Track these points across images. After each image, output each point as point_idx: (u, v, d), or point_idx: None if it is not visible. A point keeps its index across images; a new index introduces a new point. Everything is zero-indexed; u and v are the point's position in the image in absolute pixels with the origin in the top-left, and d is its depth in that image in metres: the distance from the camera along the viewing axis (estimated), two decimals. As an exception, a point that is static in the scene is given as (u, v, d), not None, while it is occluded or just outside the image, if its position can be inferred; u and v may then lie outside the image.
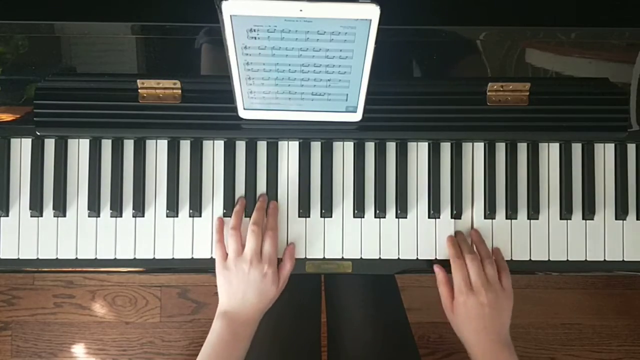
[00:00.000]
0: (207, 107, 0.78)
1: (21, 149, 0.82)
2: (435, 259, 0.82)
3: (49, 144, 0.82)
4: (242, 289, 0.76)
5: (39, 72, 0.78)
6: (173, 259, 0.82)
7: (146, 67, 0.78)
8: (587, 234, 0.83)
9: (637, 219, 0.84)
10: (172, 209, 0.82)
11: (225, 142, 0.83)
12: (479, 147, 0.83)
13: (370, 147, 0.83)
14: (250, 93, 0.70)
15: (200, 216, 0.82)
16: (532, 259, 0.83)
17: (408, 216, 0.83)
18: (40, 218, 0.82)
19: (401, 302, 1.03)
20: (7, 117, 0.80)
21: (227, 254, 0.78)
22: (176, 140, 0.82)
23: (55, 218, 0.82)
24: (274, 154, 0.82)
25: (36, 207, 0.81)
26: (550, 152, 0.83)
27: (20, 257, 0.82)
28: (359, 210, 0.82)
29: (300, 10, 0.57)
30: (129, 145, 0.82)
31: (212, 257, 0.81)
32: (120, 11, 0.74)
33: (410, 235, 0.83)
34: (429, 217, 0.83)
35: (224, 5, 0.57)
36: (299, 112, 0.73)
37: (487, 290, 0.76)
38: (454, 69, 0.81)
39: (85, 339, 1.52)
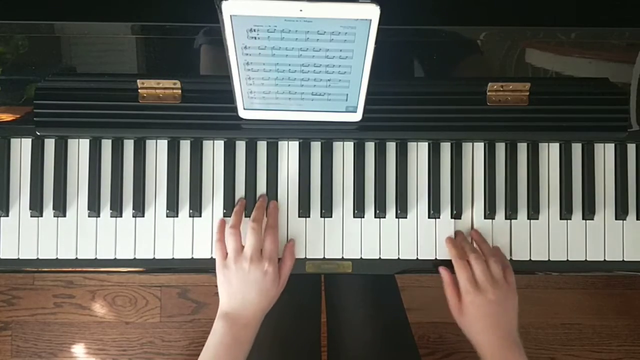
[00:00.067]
0: (207, 107, 0.78)
1: (21, 149, 0.82)
2: (435, 259, 0.82)
3: (49, 144, 0.82)
4: (242, 288, 0.75)
5: (39, 72, 0.78)
6: (173, 259, 0.82)
7: (146, 67, 0.78)
8: (587, 234, 0.83)
9: (637, 219, 0.84)
10: (172, 209, 0.82)
11: (225, 142, 0.83)
12: (479, 147, 0.83)
13: (370, 147, 0.83)
14: (250, 93, 0.70)
15: (200, 216, 0.82)
16: (532, 259, 0.83)
17: (408, 216, 0.83)
18: (40, 218, 0.82)
19: (401, 302, 1.03)
20: (7, 117, 0.80)
21: (227, 253, 0.77)
22: (176, 140, 0.82)
23: (55, 218, 0.82)
24: (274, 154, 0.82)
25: (36, 207, 0.81)
26: (550, 152, 0.83)
27: (20, 257, 0.82)
28: (359, 210, 0.82)
29: (300, 10, 0.57)
30: (129, 145, 0.82)
31: (212, 257, 0.81)
32: (120, 11, 0.74)
33: (410, 235, 0.83)
34: (429, 217, 0.83)
35: (224, 5, 0.57)
36: (299, 112, 0.73)
37: (494, 287, 0.75)
38: (454, 69, 0.81)
39: (85, 339, 1.52)
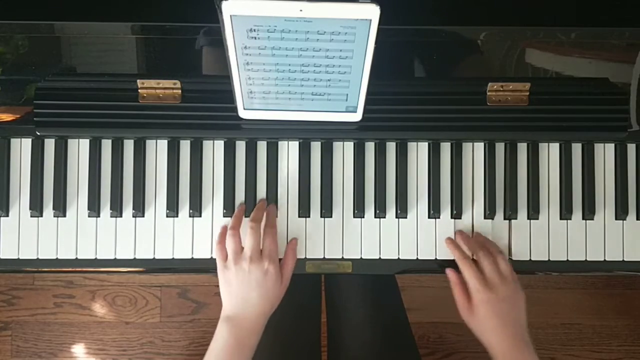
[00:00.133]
0: (207, 107, 0.78)
1: (21, 149, 0.82)
2: (435, 259, 0.82)
3: (49, 144, 0.82)
4: (243, 288, 0.75)
5: (39, 72, 0.78)
6: (173, 259, 0.82)
7: (146, 67, 0.78)
8: (587, 234, 0.83)
9: (637, 219, 0.84)
10: (172, 209, 0.82)
11: (225, 142, 0.83)
12: (479, 147, 0.83)
13: (370, 147, 0.83)
14: (250, 93, 0.70)
15: (200, 216, 0.82)
16: (532, 259, 0.83)
17: (408, 216, 0.83)
18: (40, 218, 0.82)
19: (401, 302, 1.03)
20: (7, 117, 0.80)
21: (227, 255, 0.77)
22: (176, 140, 0.82)
23: (55, 218, 0.82)
24: (274, 154, 0.82)
25: (36, 207, 0.81)
26: (550, 152, 0.83)
27: (20, 257, 0.82)
28: (359, 210, 0.82)
29: (300, 10, 0.57)
30: (129, 145, 0.82)
31: (212, 257, 0.81)
32: (120, 11, 0.74)
33: (410, 235, 0.83)
34: (429, 217, 0.83)
35: (224, 5, 0.57)
36: (299, 112, 0.73)
37: (504, 284, 0.75)
38: (454, 69, 0.81)
39: (85, 339, 1.52)
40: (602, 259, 0.83)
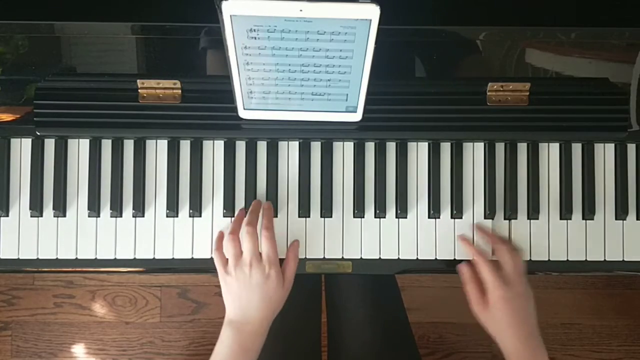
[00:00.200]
0: (207, 107, 0.78)
1: (21, 149, 0.82)
2: (435, 259, 0.82)
3: (49, 144, 0.82)
4: (245, 293, 0.75)
5: (39, 72, 0.78)
6: (173, 259, 0.82)
7: (146, 67, 0.78)
8: (587, 234, 0.83)
9: (637, 219, 0.84)
10: (172, 209, 0.82)
11: (225, 142, 0.83)
12: (479, 147, 0.83)
13: (370, 147, 0.83)
14: (250, 93, 0.70)
15: (200, 216, 0.82)
16: (532, 259, 0.83)
17: (408, 216, 0.83)
18: (40, 218, 0.82)
19: (401, 302, 1.03)
20: (7, 117, 0.80)
21: (227, 261, 0.77)
22: (176, 140, 0.82)
23: (55, 218, 0.82)
24: (274, 154, 0.82)
25: (36, 207, 0.81)
26: (550, 152, 0.83)
27: (20, 257, 0.82)
28: (359, 210, 0.82)
29: (300, 10, 0.57)
30: (129, 145, 0.82)
31: (212, 257, 0.81)
32: (120, 11, 0.74)
33: (410, 235, 0.83)
34: (429, 217, 0.83)
35: (224, 5, 0.57)
36: (299, 112, 0.73)
37: (520, 282, 0.75)
38: (454, 69, 0.81)
39: (85, 339, 1.52)
40: (602, 259, 0.83)
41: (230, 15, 0.58)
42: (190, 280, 1.53)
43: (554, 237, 0.83)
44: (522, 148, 0.83)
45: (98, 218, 0.82)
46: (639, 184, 0.84)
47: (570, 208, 0.82)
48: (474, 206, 0.83)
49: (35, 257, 0.82)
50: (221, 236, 0.80)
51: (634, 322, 1.54)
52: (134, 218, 0.82)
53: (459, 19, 0.75)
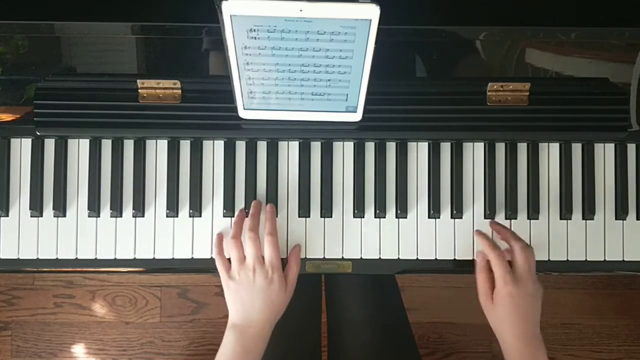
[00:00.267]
0: (207, 107, 0.78)
1: (21, 149, 0.82)
2: (436, 258, 0.82)
3: (49, 144, 0.82)
4: (249, 297, 0.75)
5: (39, 72, 0.78)
6: (173, 259, 0.82)
7: (146, 67, 0.78)
8: (587, 234, 0.83)
9: (637, 219, 0.84)
10: (172, 209, 0.82)
11: (225, 142, 0.83)
12: (479, 147, 0.83)
13: (370, 147, 0.83)
14: (250, 93, 0.70)
15: (200, 216, 0.82)
16: (532, 259, 0.83)
17: (408, 216, 0.83)
18: (40, 218, 0.82)
19: (401, 302, 1.03)
20: (7, 117, 0.80)
21: (229, 265, 0.77)
22: (176, 140, 0.82)
23: (55, 218, 0.82)
24: (274, 154, 0.82)
25: (36, 207, 0.81)
26: (550, 152, 0.83)
27: (20, 257, 0.82)
28: (359, 210, 0.82)
29: (300, 10, 0.57)
30: (129, 145, 0.82)
31: (212, 257, 0.81)
32: (120, 11, 0.74)
33: (410, 235, 0.83)
34: (429, 217, 0.83)
35: (224, 5, 0.57)
36: (299, 112, 0.73)
37: (531, 282, 0.75)
38: (454, 69, 0.81)
39: (85, 339, 1.52)
40: (602, 259, 0.83)
41: (230, 15, 0.58)
42: (190, 280, 1.53)
43: (554, 237, 0.83)
44: (522, 148, 0.83)
45: (98, 218, 0.82)
46: (639, 184, 0.84)
47: (570, 208, 0.82)
48: (474, 206, 0.83)
49: (35, 257, 0.82)
50: (221, 238, 0.80)
51: (634, 322, 1.54)
52: (134, 218, 0.82)
53: (459, 19, 0.75)
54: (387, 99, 0.78)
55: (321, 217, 0.82)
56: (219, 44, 0.63)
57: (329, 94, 0.70)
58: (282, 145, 0.83)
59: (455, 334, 1.52)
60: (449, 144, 0.83)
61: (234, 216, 0.82)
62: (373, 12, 0.58)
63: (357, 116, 0.74)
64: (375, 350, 0.94)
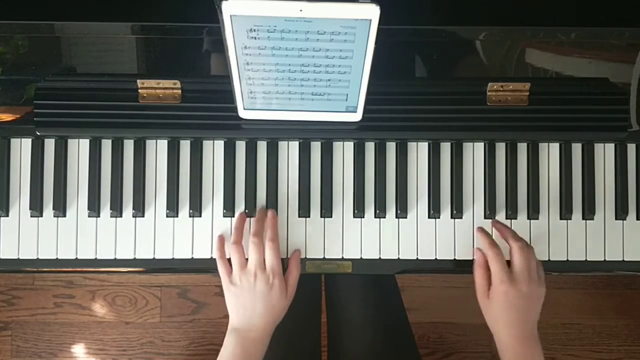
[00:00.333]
0: (207, 107, 0.78)
1: (21, 149, 0.82)
2: (436, 259, 0.82)
3: (49, 144, 0.82)
4: (250, 302, 0.76)
5: (39, 72, 0.78)
6: (173, 259, 0.82)
7: (146, 67, 0.78)
8: (587, 234, 0.83)
9: (637, 219, 0.84)
10: (172, 209, 0.82)
11: (225, 142, 0.83)
12: (479, 147, 0.83)
13: (370, 147, 0.83)
14: (250, 93, 0.70)
15: (200, 216, 0.82)
16: (532, 259, 0.83)
17: (408, 216, 0.83)
18: (40, 218, 0.82)
19: (401, 302, 1.03)
20: (7, 117, 0.80)
21: (231, 269, 0.78)
22: (176, 140, 0.82)
23: (55, 218, 0.82)
24: (274, 154, 0.82)
25: (36, 207, 0.81)
26: (550, 152, 0.83)
27: (20, 257, 0.82)
28: (359, 210, 0.82)
29: (300, 10, 0.57)
30: (129, 145, 0.82)
31: (212, 257, 0.81)
32: (120, 11, 0.74)
33: (410, 235, 0.83)
34: (429, 217, 0.83)
35: (224, 5, 0.57)
36: (299, 112, 0.73)
37: (530, 281, 0.74)
38: (454, 69, 0.81)
39: (85, 339, 1.52)
40: (602, 259, 0.83)
41: (230, 15, 0.58)
42: (190, 280, 1.53)
43: (554, 237, 0.83)
44: (522, 148, 0.83)
45: (98, 218, 0.82)
46: (639, 184, 0.84)
47: (570, 208, 0.82)
48: (474, 206, 0.83)
49: (35, 257, 0.82)
50: (222, 241, 0.81)
51: (634, 322, 1.54)
52: (134, 218, 0.82)
53: (458, 19, 0.75)
54: (387, 99, 0.78)
55: (321, 217, 0.82)
56: (219, 44, 0.63)
57: (329, 94, 0.70)
58: (282, 145, 0.83)
59: (455, 334, 1.52)
60: (449, 144, 0.83)
61: (234, 216, 0.82)
62: (373, 12, 0.58)
63: (357, 116, 0.74)
64: (375, 351, 0.94)
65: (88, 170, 0.82)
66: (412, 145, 0.83)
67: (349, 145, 0.83)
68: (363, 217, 0.83)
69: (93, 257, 0.82)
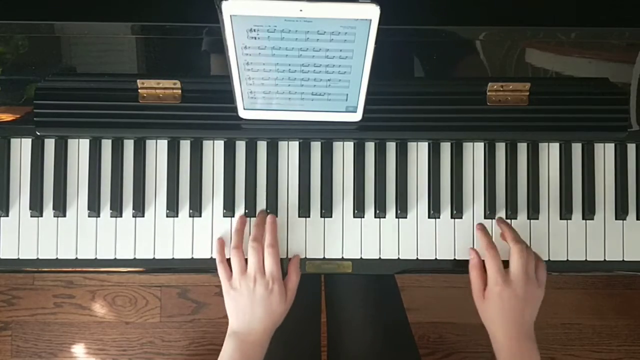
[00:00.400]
0: (207, 107, 0.78)
1: (21, 149, 0.82)
2: (436, 259, 0.82)
3: (49, 144, 0.82)
4: (249, 307, 0.76)
5: (39, 72, 0.78)
6: (173, 259, 0.82)
7: (146, 67, 0.78)
8: (587, 234, 0.83)
9: (637, 219, 0.84)
10: (172, 209, 0.82)
11: (225, 142, 0.83)
12: (479, 147, 0.83)
13: (370, 147, 0.83)
14: (250, 93, 0.70)
15: (200, 216, 0.82)
16: (532, 259, 0.83)
17: (408, 216, 0.83)
18: (40, 218, 0.82)
19: (401, 302, 1.03)
20: (7, 117, 0.80)
21: (231, 274, 0.78)
22: (176, 140, 0.82)
23: (55, 218, 0.82)
24: (274, 154, 0.82)
25: (36, 207, 0.81)
26: (550, 152, 0.83)
27: (20, 257, 0.82)
28: (359, 210, 0.82)
29: (300, 10, 0.57)
30: (129, 145, 0.82)
31: (212, 257, 0.81)
32: (120, 11, 0.74)
33: (410, 235, 0.83)
34: (429, 217, 0.83)
35: (224, 5, 0.57)
36: (299, 112, 0.73)
37: (526, 283, 0.74)
38: (454, 69, 0.81)
39: (85, 339, 1.52)
40: (602, 259, 0.83)
41: (230, 15, 0.58)
42: (190, 280, 1.53)
43: (554, 237, 0.83)
44: (522, 148, 0.83)
45: (98, 218, 0.82)
46: (639, 184, 0.84)
47: (570, 208, 0.82)
48: (474, 206, 0.83)
49: (35, 257, 0.82)
50: (222, 244, 0.81)
51: (634, 322, 1.54)
52: (134, 218, 0.82)
53: (458, 19, 0.75)
54: (387, 99, 0.78)
55: (321, 217, 0.82)
56: (219, 44, 0.63)
57: (329, 94, 0.70)
58: (282, 145, 0.83)
59: (455, 334, 1.52)
60: (449, 144, 0.83)
61: (234, 216, 0.82)
62: (373, 12, 0.58)
63: (357, 116, 0.74)
64: (375, 351, 0.94)
65: (88, 170, 0.82)
66: (412, 145, 0.83)
67: (349, 145, 0.83)
68: (363, 217, 0.83)
69: (93, 257, 0.82)
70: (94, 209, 0.81)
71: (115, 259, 0.82)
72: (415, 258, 0.83)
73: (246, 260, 0.78)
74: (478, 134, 0.81)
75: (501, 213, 0.83)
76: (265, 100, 0.71)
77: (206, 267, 0.82)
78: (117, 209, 0.81)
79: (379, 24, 0.59)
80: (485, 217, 0.83)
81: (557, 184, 0.83)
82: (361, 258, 0.82)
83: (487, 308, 0.76)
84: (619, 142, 0.83)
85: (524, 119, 0.79)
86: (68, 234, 0.82)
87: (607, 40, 0.77)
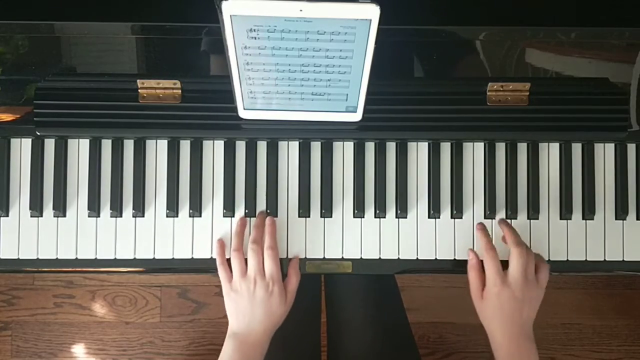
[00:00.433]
0: (207, 107, 0.78)
1: (21, 149, 0.82)
2: (436, 259, 0.82)
3: (49, 144, 0.82)
4: (249, 308, 0.77)
5: (39, 72, 0.78)
6: (173, 259, 0.82)
7: (146, 67, 0.78)
8: (587, 234, 0.83)
9: (637, 219, 0.84)
10: (172, 209, 0.82)
11: (225, 142, 0.83)
12: (479, 147, 0.83)
13: (370, 147, 0.83)
14: (250, 93, 0.70)
15: (200, 216, 0.82)
16: (532, 259, 0.83)
17: (408, 216, 0.83)
18: (40, 218, 0.82)
19: (401, 302, 1.03)
20: (7, 117, 0.80)
21: (231, 275, 0.78)
22: (176, 140, 0.82)
23: (55, 218, 0.82)
24: (274, 154, 0.82)
25: (36, 207, 0.81)
26: (550, 152, 0.83)
27: (20, 257, 0.82)
28: (359, 210, 0.82)
29: (300, 10, 0.57)
30: (129, 145, 0.82)
31: (212, 257, 0.81)
32: (120, 11, 0.74)
33: (410, 235, 0.83)
34: (429, 217, 0.83)
35: (224, 5, 0.57)
36: (299, 112, 0.73)
37: (524, 285, 0.74)
38: (454, 69, 0.81)
39: (85, 339, 1.52)
40: (602, 259, 0.83)
41: (230, 15, 0.58)
42: (190, 280, 1.53)
43: (554, 237, 0.83)
44: (522, 148, 0.83)
45: (98, 218, 0.82)
46: (639, 184, 0.84)
47: (570, 208, 0.82)
48: (474, 206, 0.83)
49: (35, 257, 0.82)
50: (222, 246, 0.81)
51: (634, 322, 1.54)
52: (134, 218, 0.82)
53: (458, 19, 0.75)
54: (387, 99, 0.78)
55: (321, 217, 0.82)
56: (219, 44, 0.63)
57: (329, 94, 0.70)
58: (282, 145, 0.83)
59: (455, 334, 1.52)
60: (449, 144, 0.83)
61: (234, 216, 0.82)
62: (373, 12, 0.58)
63: (357, 116, 0.74)
64: (375, 351, 0.94)
65: (88, 170, 0.82)
66: (412, 145, 0.83)
67: (349, 145, 0.83)
68: (363, 217, 0.83)
69: (93, 257, 0.82)
70: (94, 209, 0.81)
71: (115, 259, 0.82)
72: (415, 258, 0.83)
73: (246, 261, 0.78)
74: (478, 134, 0.81)
75: (501, 213, 0.83)
76: (265, 100, 0.71)
77: (206, 267, 0.82)
78: (117, 209, 0.81)
79: (379, 24, 0.59)
80: (485, 217, 0.83)
81: (557, 184, 0.83)
82: (361, 258, 0.82)
83: (486, 308, 0.77)
84: (619, 142, 0.83)
85: (524, 119, 0.79)
86: (68, 234, 0.82)
87: (607, 40, 0.77)
